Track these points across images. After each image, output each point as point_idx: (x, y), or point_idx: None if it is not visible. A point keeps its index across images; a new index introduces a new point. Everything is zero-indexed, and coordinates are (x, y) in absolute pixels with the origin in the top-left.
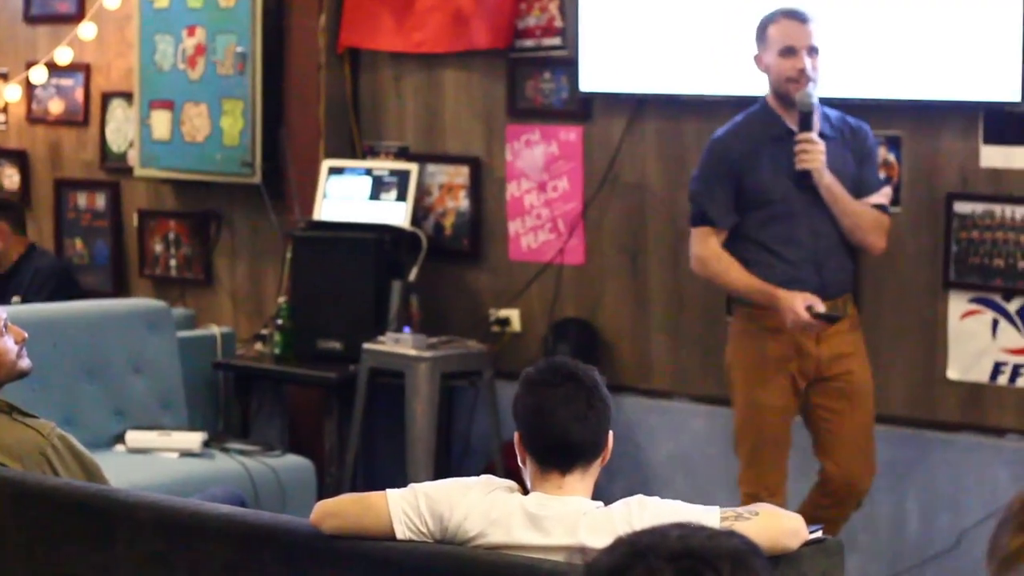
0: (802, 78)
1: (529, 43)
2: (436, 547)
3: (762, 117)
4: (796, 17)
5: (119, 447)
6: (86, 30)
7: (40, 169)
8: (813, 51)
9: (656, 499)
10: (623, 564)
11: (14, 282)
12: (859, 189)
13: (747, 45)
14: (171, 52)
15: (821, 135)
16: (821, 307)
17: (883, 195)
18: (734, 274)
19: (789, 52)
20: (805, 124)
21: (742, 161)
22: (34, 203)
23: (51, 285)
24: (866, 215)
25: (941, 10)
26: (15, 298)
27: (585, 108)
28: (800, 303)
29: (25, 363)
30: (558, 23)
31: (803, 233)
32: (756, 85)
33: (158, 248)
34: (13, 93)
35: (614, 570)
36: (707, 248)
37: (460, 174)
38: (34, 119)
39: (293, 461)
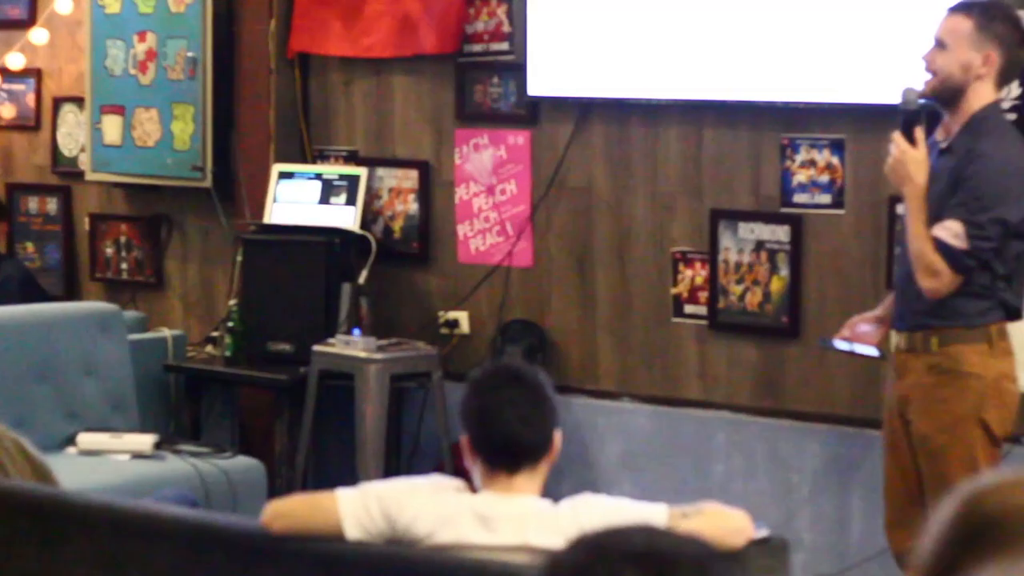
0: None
1: (477, 48)
2: (386, 547)
3: None
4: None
5: (70, 449)
6: (37, 35)
7: None
8: (938, 44)
9: (604, 497)
10: (585, 564)
11: None
12: (939, 216)
13: (693, 49)
14: (122, 57)
15: (934, 145)
16: (842, 333)
17: (944, 228)
18: None
19: None
20: (903, 125)
21: None
22: None
23: (22, 293)
24: (916, 246)
25: (886, 13)
26: None
27: (533, 112)
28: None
29: None
30: (506, 28)
31: (904, 251)
32: (703, 89)
33: (109, 251)
34: None
35: (576, 570)
36: None
37: (409, 178)
38: None
39: (244, 463)
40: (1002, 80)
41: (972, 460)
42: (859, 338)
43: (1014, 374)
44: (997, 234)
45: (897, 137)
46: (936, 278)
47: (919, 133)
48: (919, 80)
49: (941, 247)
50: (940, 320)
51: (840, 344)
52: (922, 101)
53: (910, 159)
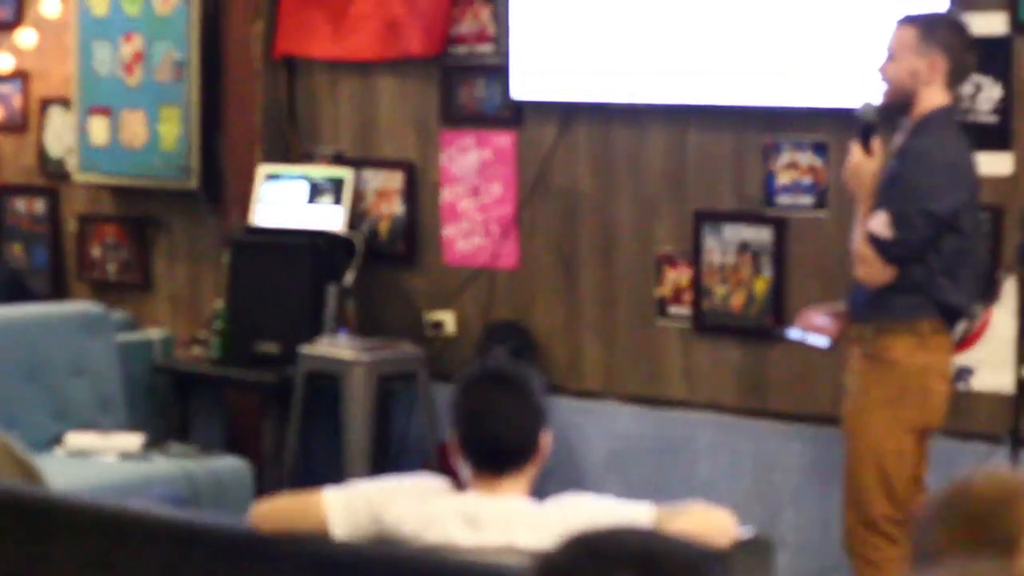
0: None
1: (462, 50)
2: (372, 547)
3: None
4: None
5: (58, 449)
6: (24, 37)
7: None
8: (889, 55)
9: (589, 497)
10: (578, 565)
11: None
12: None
13: (676, 53)
14: (109, 59)
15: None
16: (796, 323)
17: (874, 219)
18: None
19: None
20: (861, 135)
21: None
22: None
23: (8, 294)
24: (855, 241)
25: (866, 18)
26: None
27: (517, 114)
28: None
29: None
30: (490, 31)
31: None
32: (686, 92)
33: (96, 252)
34: None
35: (569, 571)
36: None
37: (395, 179)
38: None
39: (231, 463)
40: (952, 83)
41: (879, 445)
42: (814, 329)
43: (945, 370)
44: (925, 226)
45: (854, 147)
46: (866, 266)
47: (876, 144)
48: (878, 92)
49: (871, 237)
50: (874, 312)
51: (792, 333)
52: (869, 117)
53: (864, 169)
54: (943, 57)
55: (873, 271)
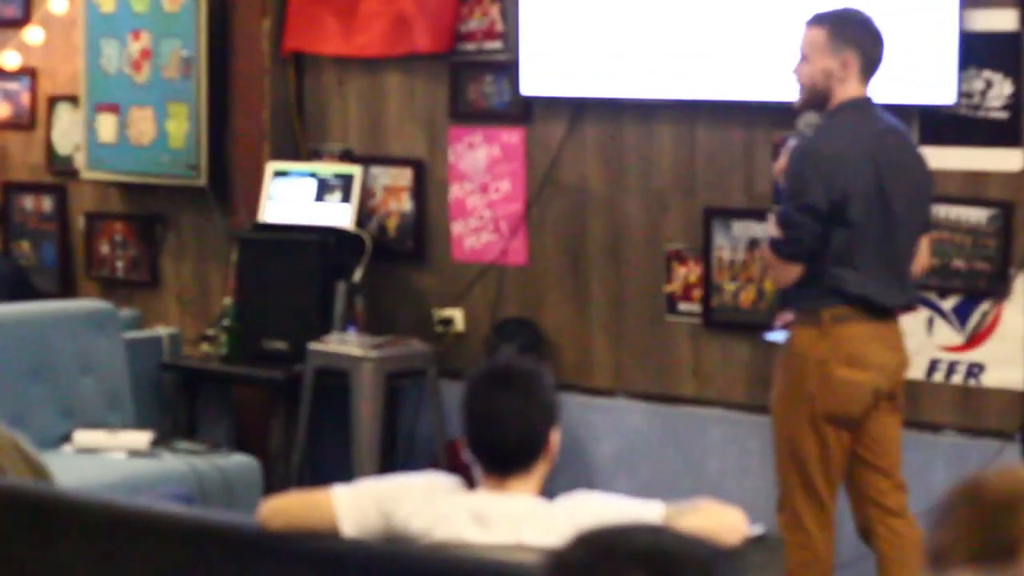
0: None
1: (471, 47)
2: (382, 545)
3: None
4: None
5: (66, 447)
6: (32, 34)
7: None
8: (801, 56)
9: (599, 495)
10: (589, 563)
11: None
12: None
13: (685, 49)
14: (116, 56)
15: None
16: (775, 324)
17: (769, 222)
18: None
19: None
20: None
21: None
22: None
23: (7, 289)
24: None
25: (878, 13)
26: None
27: (526, 111)
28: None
29: None
30: (499, 27)
31: None
32: (696, 88)
33: (105, 250)
34: None
35: (580, 569)
36: None
37: (403, 176)
38: None
39: (240, 460)
40: (865, 76)
41: (792, 435)
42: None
43: (854, 357)
44: (806, 221)
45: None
46: (770, 269)
47: None
48: (794, 93)
49: (768, 239)
50: (790, 306)
51: (771, 335)
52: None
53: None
54: (854, 54)
55: (778, 273)
